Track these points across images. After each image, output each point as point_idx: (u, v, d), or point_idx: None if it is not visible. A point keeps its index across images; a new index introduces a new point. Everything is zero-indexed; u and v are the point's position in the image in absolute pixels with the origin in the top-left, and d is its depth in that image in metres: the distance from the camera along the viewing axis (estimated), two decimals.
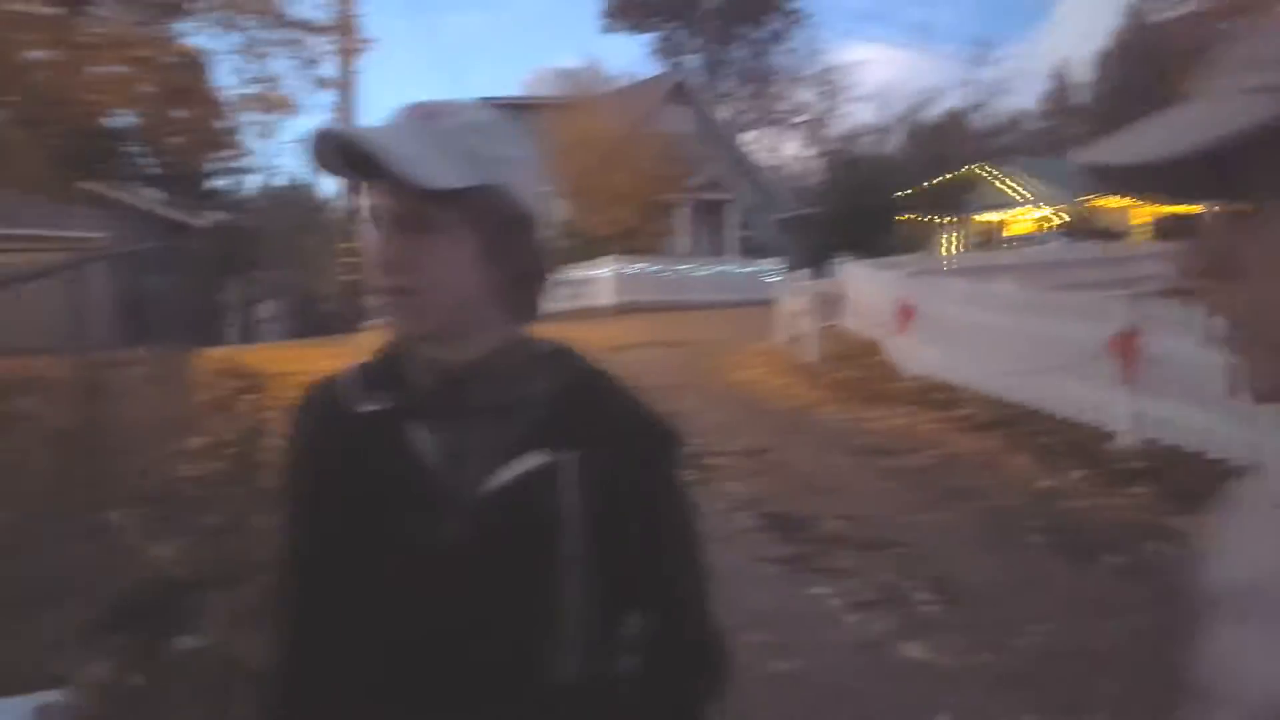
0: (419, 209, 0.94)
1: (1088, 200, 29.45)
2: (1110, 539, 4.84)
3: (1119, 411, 6.46)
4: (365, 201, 1.00)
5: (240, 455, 6.21)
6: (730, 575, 4.38)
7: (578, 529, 0.97)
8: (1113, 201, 30.34)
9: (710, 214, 27.55)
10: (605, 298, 21.53)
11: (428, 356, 1.01)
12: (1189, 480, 5.54)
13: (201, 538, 4.50)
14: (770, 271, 22.16)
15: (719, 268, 23.54)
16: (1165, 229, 26.26)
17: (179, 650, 3.36)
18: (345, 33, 9.14)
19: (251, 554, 4.43)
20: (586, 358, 1.10)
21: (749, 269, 23.72)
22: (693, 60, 43.46)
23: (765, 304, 14.83)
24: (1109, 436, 6.52)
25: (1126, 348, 6.29)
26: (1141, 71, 31.81)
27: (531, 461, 0.98)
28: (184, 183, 26.22)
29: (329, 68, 10.56)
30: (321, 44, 9.02)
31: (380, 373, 1.04)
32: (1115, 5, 41.09)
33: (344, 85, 15.57)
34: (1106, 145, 0.57)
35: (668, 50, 44.09)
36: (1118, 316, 6.49)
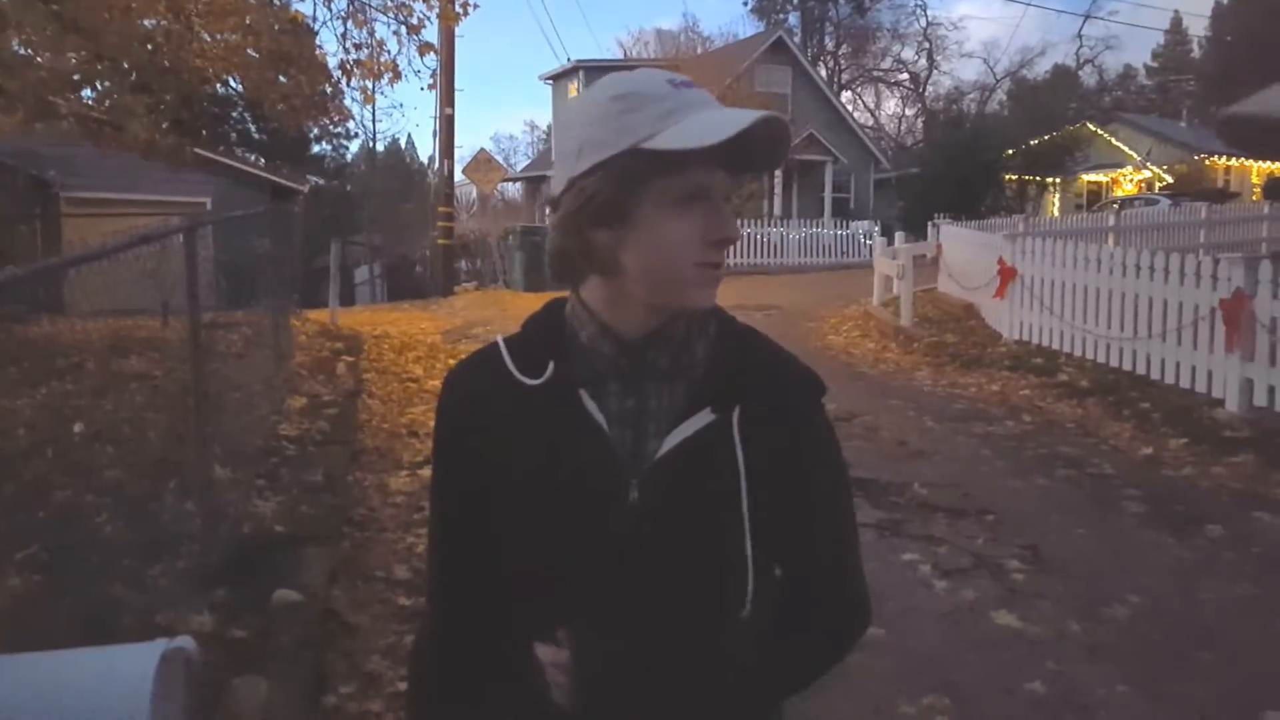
0: (737, 187, 1.02)
1: (1200, 159, 27.85)
2: (1211, 508, 4.69)
3: (1225, 378, 6.19)
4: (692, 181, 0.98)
5: (339, 415, 6.48)
6: None
7: (748, 483, 1.00)
8: (1225, 161, 28.63)
9: (806, 174, 27.07)
10: None
11: (603, 325, 1.03)
12: None
13: (301, 495, 4.70)
14: (866, 233, 21.71)
15: (813, 230, 23.16)
16: (1272, 189, 24.63)
17: (279, 604, 3.46)
18: None
19: (349, 511, 4.65)
20: (734, 318, 1.11)
21: (844, 231, 23.28)
22: (792, 18, 42.49)
23: (861, 267, 14.58)
24: (1214, 403, 6.26)
25: (1235, 312, 6.00)
26: (1261, 26, 29.70)
27: (701, 420, 1.01)
28: (288, 148, 27.12)
29: (430, 33, 10.70)
30: (424, 9, 9.11)
31: (536, 345, 1.05)
32: None
33: (445, 50, 15.78)
34: (1260, 99, 0.50)
35: (766, 9, 43.20)
36: (1227, 280, 6.19)
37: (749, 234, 21.67)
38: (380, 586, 3.83)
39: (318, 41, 9.65)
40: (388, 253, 31.55)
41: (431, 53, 9.74)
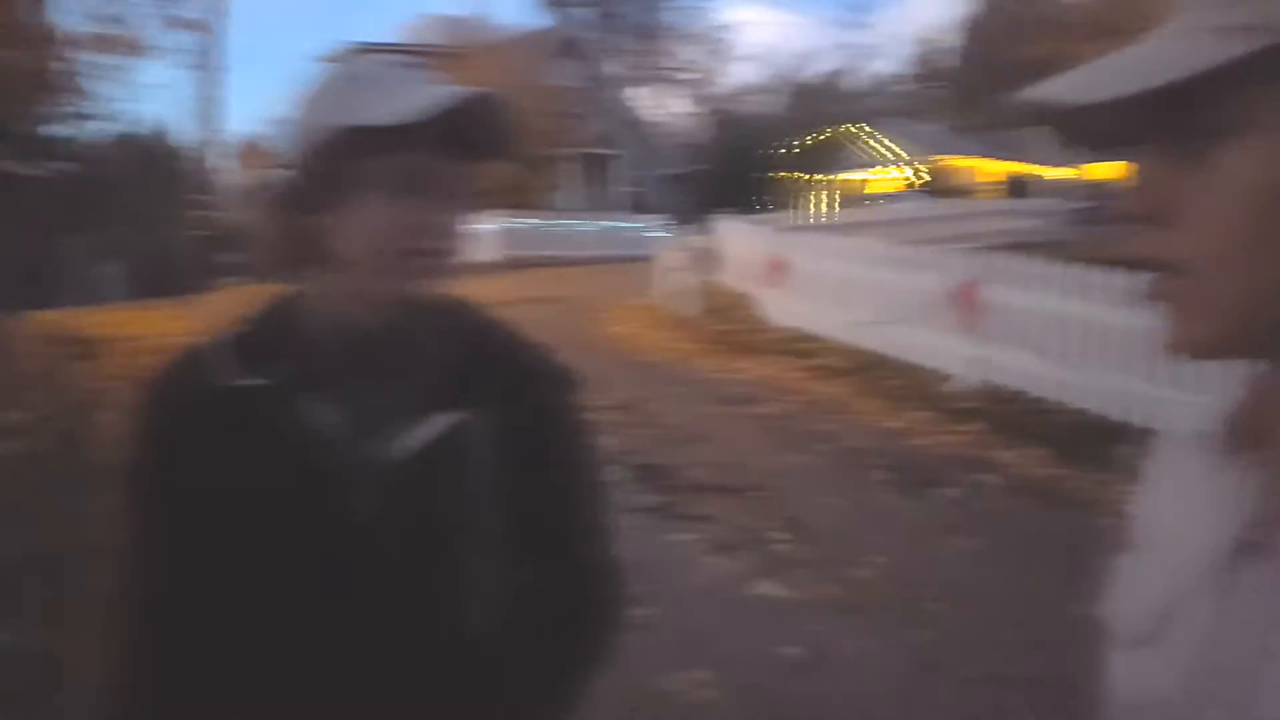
0: (465, 174, 0.98)
1: (946, 160, 30.84)
2: (945, 473, 5.23)
3: (958, 356, 6.92)
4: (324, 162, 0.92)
5: (65, 432, 5.91)
6: None
7: (489, 484, 0.97)
8: (963, 161, 31.89)
9: (597, 169, 27.45)
10: (490, 253, 21.29)
11: (330, 320, 0.96)
12: (1014, 417, 6.04)
13: (18, 520, 4.28)
14: (655, 227, 22.32)
15: (605, 223, 23.55)
16: (1013, 187, 27.73)
17: None
18: None
19: (73, 539, 4.23)
20: (480, 310, 1.08)
21: (635, 224, 23.81)
22: (581, 13, 42.83)
23: (649, 259, 14.99)
24: (948, 379, 6.99)
25: (966, 298, 6.73)
26: (1001, 36, 33.09)
27: (440, 423, 0.95)
28: (15, 130, 24.29)
29: (191, 8, 9.94)
30: None
31: (259, 342, 0.96)
32: None
33: (206, 28, 14.72)
34: (1060, 82, 0.53)
35: (557, 2, 43.31)
36: (960, 269, 6.92)
37: (542, 226, 21.74)
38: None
39: (45, 13, 8.67)
40: (135, 247, 28.80)
41: (193, 29, 9.08)
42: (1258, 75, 0.46)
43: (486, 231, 21.46)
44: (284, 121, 0.96)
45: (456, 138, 0.92)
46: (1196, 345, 0.53)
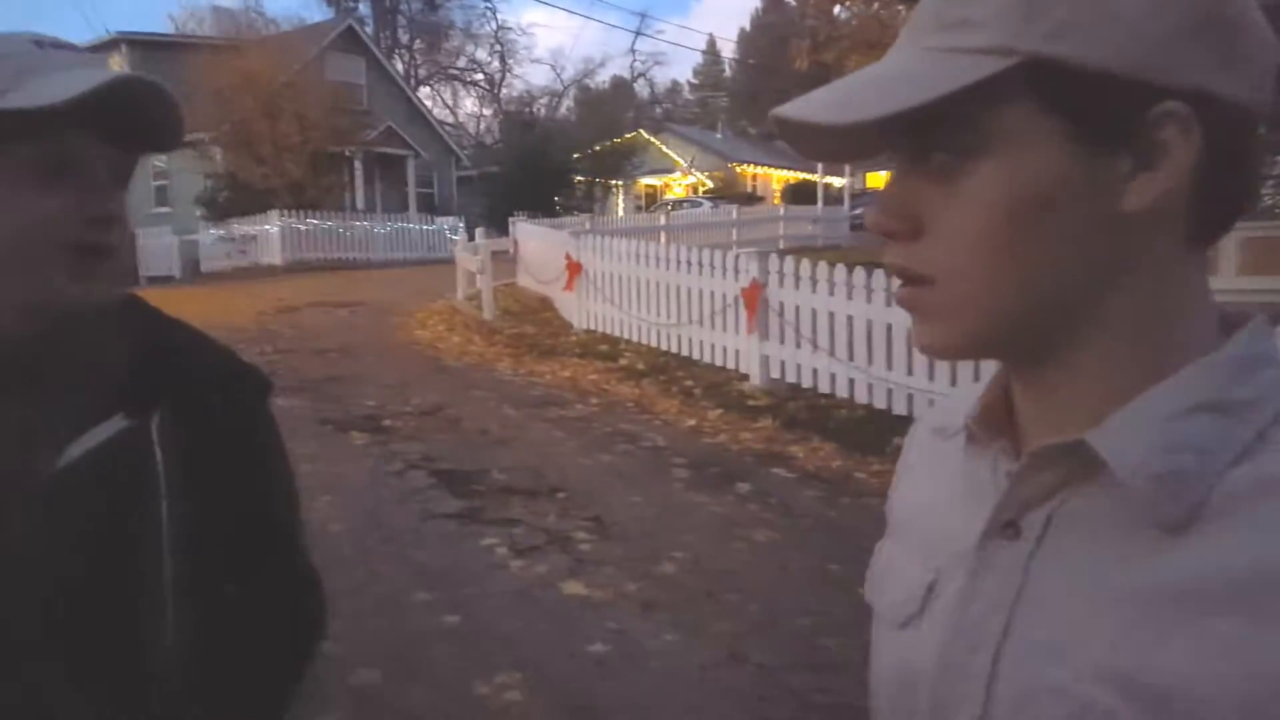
0: (130, 164, 0.91)
1: (733, 167, 32.43)
2: (740, 468, 5.48)
3: (749, 355, 7.27)
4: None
5: None
6: (402, 535, 4.46)
7: (167, 492, 0.91)
8: (753, 169, 33.72)
9: (388, 169, 26.61)
10: (273, 255, 20.20)
11: None
12: (802, 413, 6.43)
13: None
14: (450, 229, 21.96)
15: (398, 225, 22.92)
16: (794, 194, 29.57)
17: None
18: None
19: None
20: (159, 310, 1.01)
21: (429, 226, 23.34)
22: (362, 7, 41.40)
23: (446, 262, 14.74)
24: (742, 378, 7.32)
25: (752, 299, 7.08)
26: (773, 51, 35.19)
27: (110, 428, 0.90)
28: None
29: None
30: None
31: None
32: None
33: None
34: (804, 101, 0.55)
35: None
36: (746, 271, 7.28)
37: (331, 228, 20.86)
38: None
39: None
40: None
41: None
42: (995, 95, 0.50)
43: (271, 232, 20.34)
44: None
45: (114, 125, 0.86)
46: (941, 349, 0.57)
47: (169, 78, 0.91)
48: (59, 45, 0.89)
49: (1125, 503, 0.51)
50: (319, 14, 36.58)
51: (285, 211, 20.46)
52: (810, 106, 0.54)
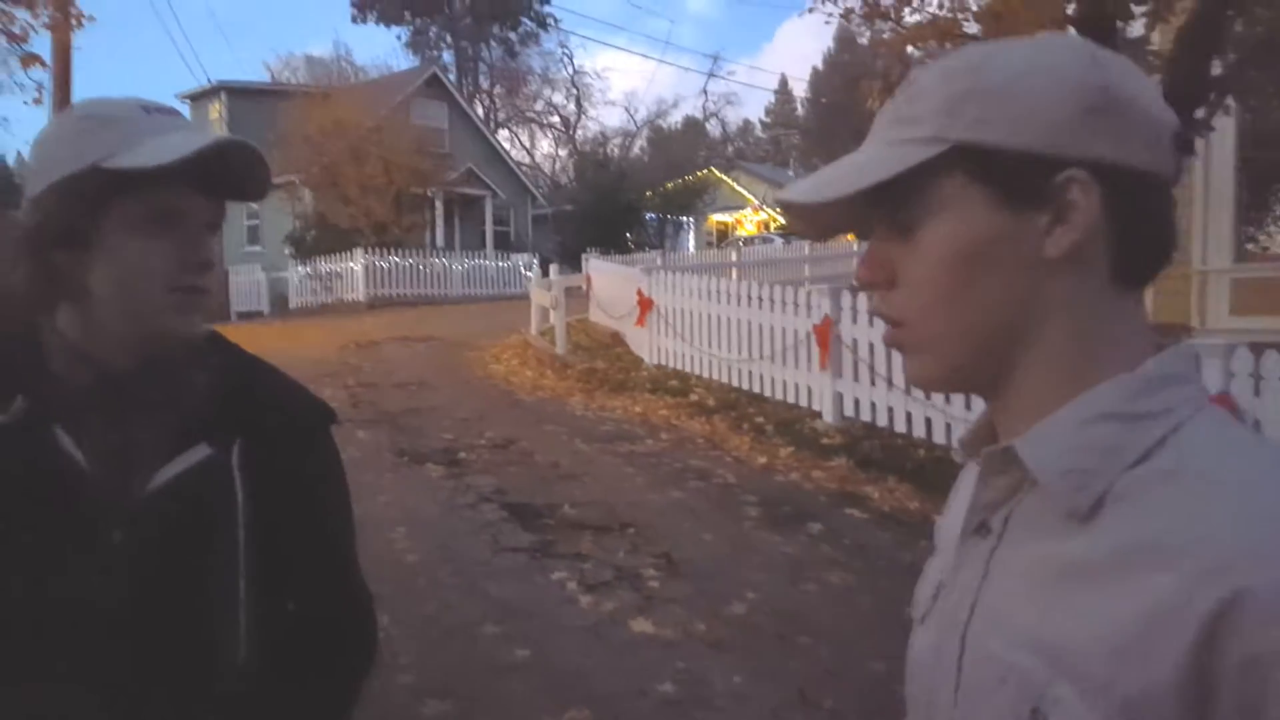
0: (221, 213, 1.02)
1: None
2: (812, 507, 5.40)
3: (821, 393, 7.18)
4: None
5: None
6: (474, 567, 4.51)
7: (244, 517, 0.99)
8: None
9: (466, 208, 27.28)
10: (357, 292, 20.80)
11: (79, 353, 0.97)
12: (877, 452, 6.31)
13: None
14: (525, 266, 22.33)
15: (475, 262, 23.41)
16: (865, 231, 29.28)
17: None
18: (60, 8, 8.22)
19: None
20: (239, 347, 1.10)
21: (504, 264, 23.78)
22: (447, 56, 42.86)
23: (521, 298, 14.98)
24: (814, 415, 7.23)
25: (825, 335, 7.01)
26: (846, 89, 35.13)
27: (196, 455, 0.98)
28: None
29: (42, 45, 9.44)
30: (30, 18, 8.04)
31: (7, 376, 0.97)
32: (829, 29, 44.99)
33: (59, 64, 13.95)
34: (793, 187, 0.68)
35: (420, 44, 43.27)
36: (819, 308, 7.21)
37: (412, 265, 21.41)
38: None
39: None
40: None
41: (39, 65, 8.64)
42: (936, 172, 0.63)
43: (355, 270, 20.97)
44: (31, 162, 0.99)
45: (209, 179, 0.96)
46: (924, 380, 0.69)
47: (263, 123, 0.99)
48: (161, 110, 1.00)
49: (1049, 498, 0.61)
50: (405, 62, 37.99)
51: (369, 250, 21.08)
52: (797, 190, 0.68)
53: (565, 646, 3.68)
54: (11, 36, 8.02)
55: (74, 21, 8.60)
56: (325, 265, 21.71)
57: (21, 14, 7.99)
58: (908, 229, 0.65)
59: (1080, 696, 0.55)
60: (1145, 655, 0.53)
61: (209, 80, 26.44)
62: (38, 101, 9.95)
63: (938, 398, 6.06)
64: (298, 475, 1.06)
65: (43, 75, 9.46)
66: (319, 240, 22.40)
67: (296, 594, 1.08)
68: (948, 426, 6.04)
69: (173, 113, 1.01)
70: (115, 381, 0.97)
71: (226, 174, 0.98)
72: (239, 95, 26.38)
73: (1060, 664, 0.56)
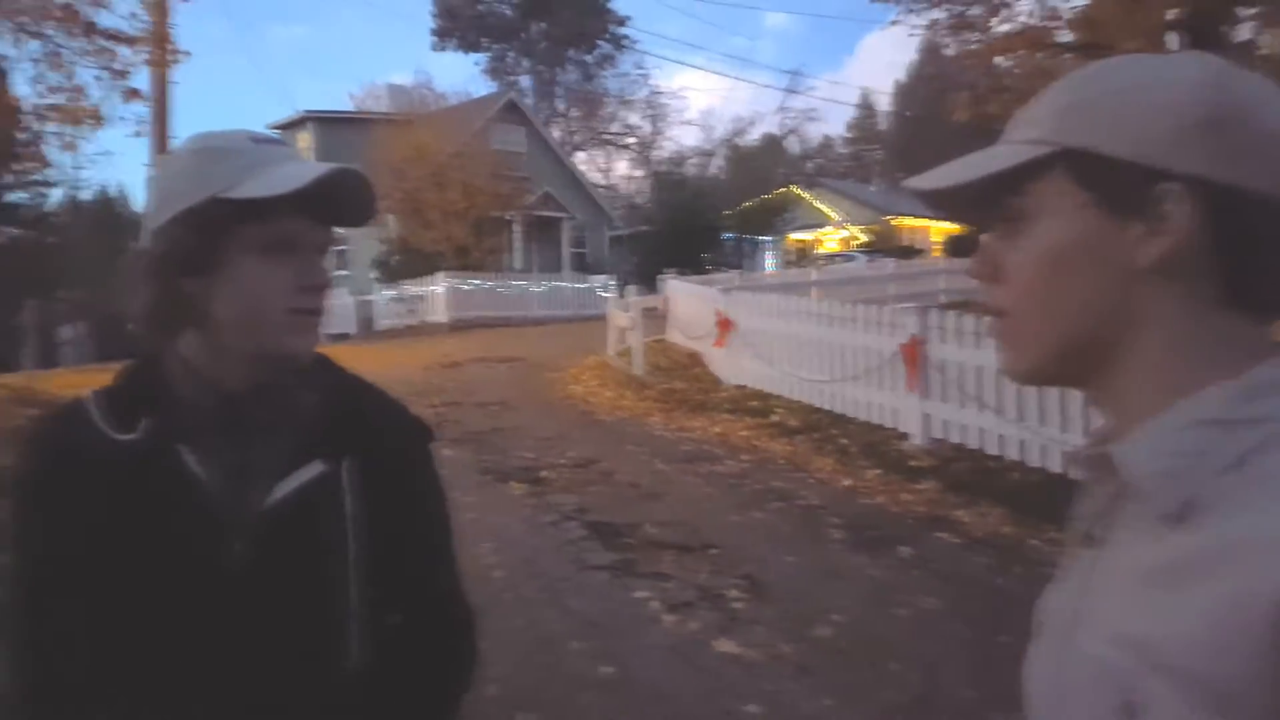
0: (330, 238, 1.06)
1: (889, 220, 31.76)
2: (901, 531, 5.26)
3: (909, 414, 7.01)
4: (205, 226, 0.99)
5: (7, 494, 5.75)
6: (559, 583, 4.53)
7: (356, 531, 1.03)
8: (911, 221, 32.89)
9: (544, 231, 27.70)
10: (439, 314, 21.25)
11: (201, 378, 1.02)
12: (969, 476, 6.12)
13: None
14: (602, 287, 22.53)
15: (552, 284, 23.72)
16: (954, 247, 28.59)
17: None
18: (159, 43, 8.68)
19: None
20: (345, 369, 1.15)
21: (582, 285, 24.02)
22: (525, 80, 43.73)
23: (598, 319, 15.10)
24: (902, 437, 7.05)
25: (913, 355, 6.86)
26: (932, 102, 34.54)
27: (310, 472, 1.02)
28: None
29: (141, 79, 9.99)
30: (132, 54, 8.53)
31: (136, 397, 1.02)
32: (913, 41, 44.38)
33: (157, 98, 14.72)
34: (924, 176, 0.72)
35: (499, 70, 44.26)
36: (906, 327, 7.06)
37: (491, 287, 21.80)
38: None
39: (10, 84, 8.74)
40: (96, 310, 28.46)
41: (139, 99, 9.12)
42: (1043, 173, 0.66)
43: (437, 293, 21.45)
44: (152, 194, 1.04)
45: (321, 205, 1.01)
46: (1015, 372, 0.72)
47: (349, 152, 1.04)
48: (269, 140, 1.05)
49: (1143, 502, 0.62)
50: (484, 88, 38.86)
51: (450, 273, 21.54)
52: (925, 176, 0.72)
53: (648, 664, 3.67)
54: (115, 73, 8.47)
55: (171, 57, 9.03)
56: (409, 289, 22.26)
57: (123, 51, 8.44)
58: (1014, 225, 0.68)
59: (1171, 690, 0.56)
60: (1231, 647, 0.54)
61: (296, 110, 27.49)
62: (139, 134, 10.49)
63: (1033, 420, 5.87)
64: (403, 491, 1.09)
65: (142, 109, 9.97)
66: (403, 264, 23.00)
67: (402, 606, 1.10)
68: (1043, 449, 5.84)
69: (280, 143, 1.06)
70: (234, 402, 1.02)
71: (336, 201, 1.02)
72: (325, 124, 27.33)
73: (1151, 659, 0.57)
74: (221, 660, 0.98)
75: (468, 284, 21.57)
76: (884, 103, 49.09)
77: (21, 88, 8.73)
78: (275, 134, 1.09)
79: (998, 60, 8.16)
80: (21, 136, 8.63)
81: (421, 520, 1.13)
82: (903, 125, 44.94)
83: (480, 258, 22.96)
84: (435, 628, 1.15)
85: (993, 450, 6.24)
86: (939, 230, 32.97)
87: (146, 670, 0.97)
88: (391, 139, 22.27)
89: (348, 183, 1.01)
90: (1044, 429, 5.81)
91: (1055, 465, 5.74)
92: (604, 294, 21.06)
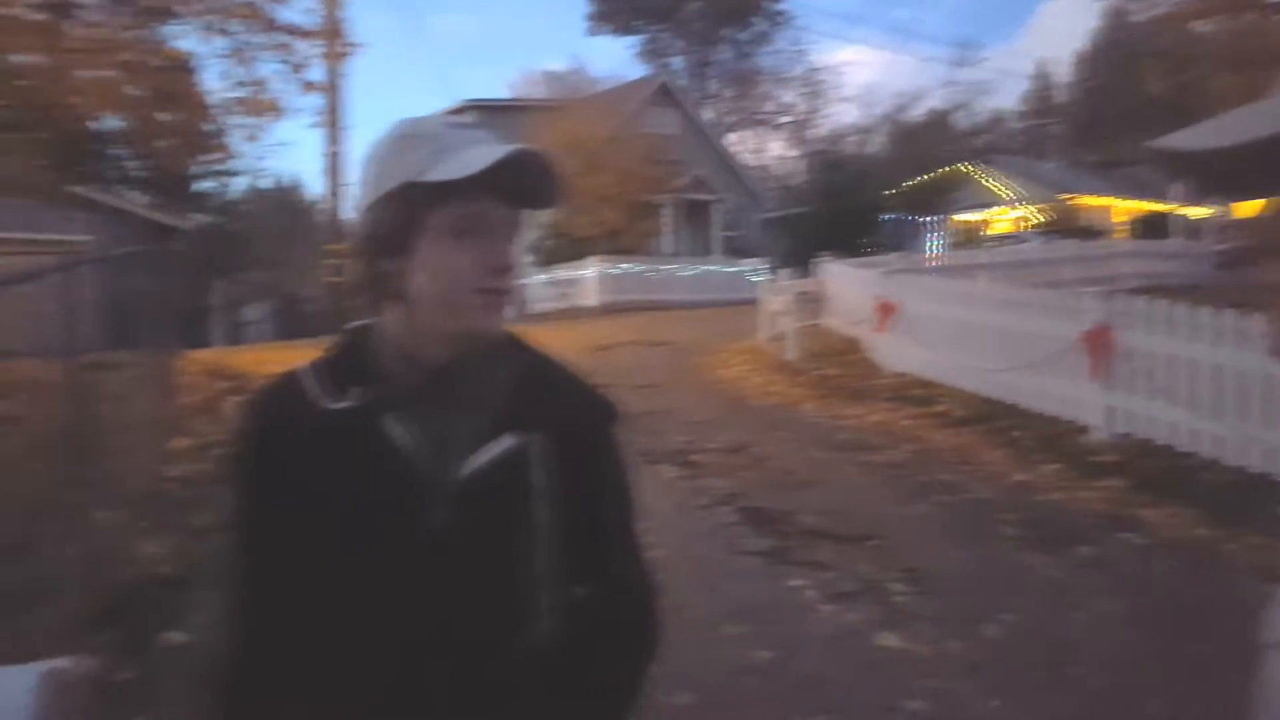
0: (519, 220, 1.07)
1: (1067, 199, 29.80)
2: (1081, 530, 4.96)
3: (1091, 406, 6.58)
4: (395, 209, 1.04)
5: (226, 456, 6.26)
6: (711, 568, 4.51)
7: (547, 503, 1.06)
8: (1091, 200, 30.76)
9: (695, 214, 27.67)
10: (591, 298, 21.63)
11: (403, 351, 1.06)
12: (1158, 473, 5.68)
13: (188, 536, 4.56)
14: (754, 271, 22.31)
15: (704, 267, 23.68)
16: (1142, 227, 26.55)
17: (166, 645, 3.40)
18: (333, 37, 9.20)
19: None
20: (536, 345, 1.18)
21: (733, 269, 23.86)
22: (677, 62, 43.68)
23: (749, 303, 14.96)
24: (1082, 430, 6.63)
25: (1098, 343, 6.42)
26: (1117, 72, 32.14)
27: (503, 445, 1.06)
28: (171, 186, 26.14)
29: (316, 71, 10.64)
30: (309, 48, 9.09)
31: (345, 369, 1.07)
32: (1095, 7, 41.46)
33: (331, 89, 15.65)
34: (1183, 134, 0.63)
35: (653, 53, 44.34)
36: (1090, 312, 6.62)
37: (641, 271, 21.98)
38: None
39: (199, 79, 9.48)
40: (276, 291, 30.73)
41: (316, 91, 9.68)
42: None
43: (589, 277, 21.84)
44: (360, 177, 1.09)
45: (510, 188, 1.04)
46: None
47: (507, 139, 1.05)
48: (465, 125, 1.09)
49: None
50: (638, 71, 39.12)
51: (602, 257, 21.86)
52: (1187, 134, 0.61)
53: (806, 653, 3.61)
54: (293, 66, 9.01)
55: (344, 49, 9.53)
56: (562, 273, 22.75)
57: (300, 45, 8.96)
58: None
59: None
60: None
61: (458, 99, 28.53)
62: (317, 125, 11.14)
63: (1231, 415, 5.38)
64: (589, 468, 1.11)
65: (318, 100, 10.56)
66: (556, 249, 23.54)
67: (588, 580, 1.12)
68: (1242, 447, 5.35)
69: (474, 126, 1.09)
70: (434, 375, 1.06)
71: (523, 185, 1.05)
72: (485, 112, 28.14)
73: None
74: (414, 623, 1.02)
75: (618, 268, 21.83)
76: (1062, 74, 46.13)
77: (210, 82, 9.45)
78: (467, 119, 1.12)
79: (1195, 25, 7.49)
80: (209, 129, 9.35)
81: (607, 497, 1.15)
82: (1084, 97, 42.06)
83: (631, 242, 23.18)
84: (620, 604, 1.17)
85: (1185, 446, 5.77)
86: (1123, 210, 30.71)
87: (340, 628, 1.03)
88: (547, 125, 22.77)
89: (530, 164, 1.03)
90: (1244, 425, 5.33)
91: (1256, 464, 5.26)
92: (755, 278, 20.86)
